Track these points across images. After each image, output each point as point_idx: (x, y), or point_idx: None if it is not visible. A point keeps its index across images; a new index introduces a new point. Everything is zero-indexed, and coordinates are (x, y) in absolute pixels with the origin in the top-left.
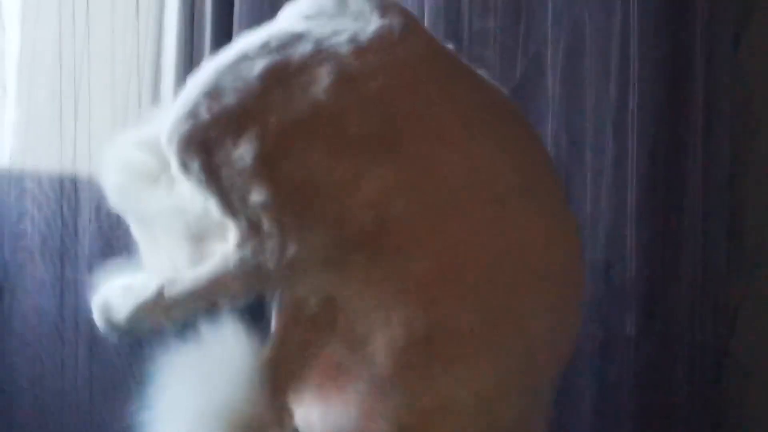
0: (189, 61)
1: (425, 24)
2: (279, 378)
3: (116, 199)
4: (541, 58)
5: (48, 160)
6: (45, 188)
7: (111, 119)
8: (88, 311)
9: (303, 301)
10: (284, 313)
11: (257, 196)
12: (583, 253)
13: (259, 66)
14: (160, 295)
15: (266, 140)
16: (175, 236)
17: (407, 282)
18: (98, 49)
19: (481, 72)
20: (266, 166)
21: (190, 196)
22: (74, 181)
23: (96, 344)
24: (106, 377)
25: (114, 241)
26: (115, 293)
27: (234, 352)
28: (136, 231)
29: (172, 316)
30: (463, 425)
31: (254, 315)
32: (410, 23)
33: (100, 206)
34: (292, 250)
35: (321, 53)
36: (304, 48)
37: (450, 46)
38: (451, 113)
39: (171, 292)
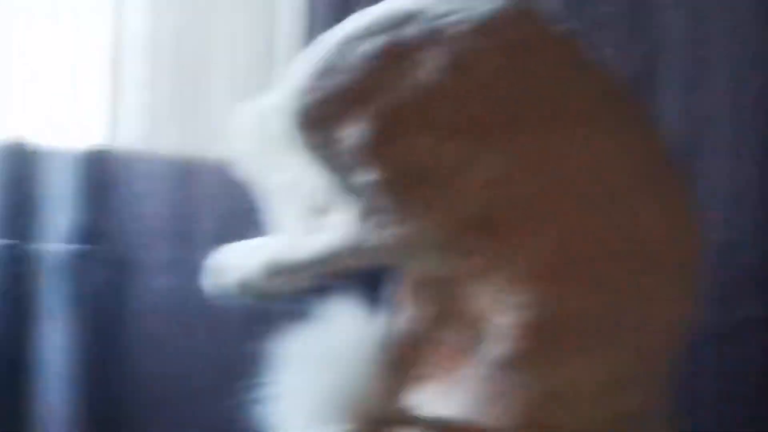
0: (308, 42)
1: (544, 8)
2: (400, 360)
3: (245, 166)
4: (660, 43)
5: (171, 142)
6: (169, 170)
7: (232, 102)
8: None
9: (423, 283)
10: (403, 294)
11: (370, 175)
12: (703, 238)
13: (373, 44)
14: (276, 259)
15: (380, 120)
16: (297, 205)
17: (525, 266)
18: (219, 32)
19: (599, 57)
20: (380, 146)
21: (312, 169)
22: (197, 163)
23: (217, 324)
24: (227, 356)
25: (233, 223)
26: (231, 257)
27: (355, 334)
28: (265, 202)
29: (287, 282)
30: (584, 411)
31: (374, 296)
32: (526, 5)
33: (220, 188)
34: (404, 229)
35: (435, 33)
36: (419, 27)
37: (567, 29)
38: (566, 98)
39: (287, 257)
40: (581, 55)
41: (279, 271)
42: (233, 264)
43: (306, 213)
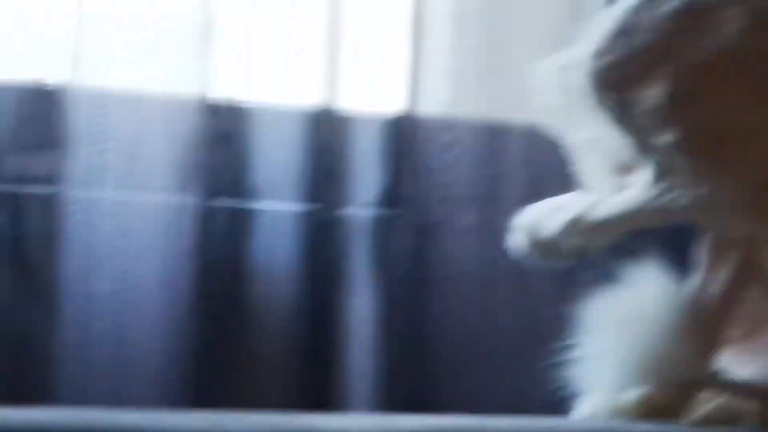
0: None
1: None
2: (706, 323)
3: (549, 122)
4: None
5: (477, 107)
6: (474, 136)
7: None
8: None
9: (727, 244)
10: (708, 254)
11: (669, 135)
12: None
13: (672, 5)
14: (585, 214)
15: (679, 80)
16: (601, 162)
17: None
18: None
19: None
20: (679, 107)
21: (612, 128)
22: (502, 129)
23: (523, 288)
24: (533, 320)
25: (540, 187)
26: (542, 213)
27: (660, 297)
28: (575, 157)
29: (594, 238)
30: None
31: (680, 259)
32: None
33: (527, 152)
34: (704, 189)
35: None
36: None
37: None
38: None
39: (595, 213)
40: None
41: (580, 229)
42: (536, 223)
43: (610, 170)
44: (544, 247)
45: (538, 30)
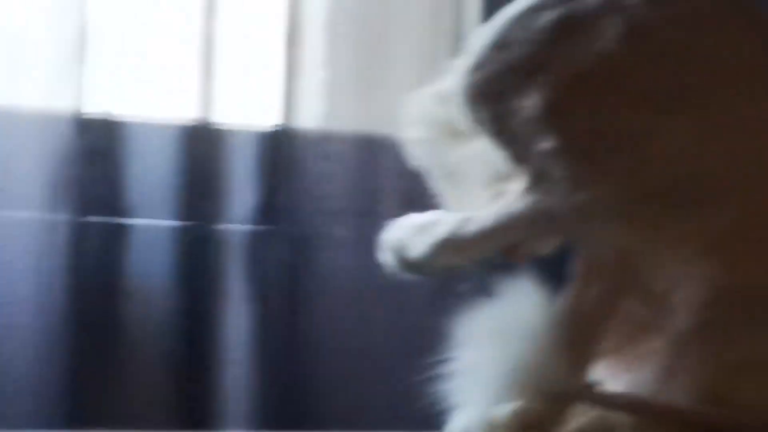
0: (490, 15)
1: None
2: (575, 334)
3: (421, 154)
4: None
5: (352, 120)
6: (349, 149)
7: (414, 80)
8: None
9: (599, 255)
10: (581, 267)
11: (546, 144)
12: None
13: (548, 16)
14: (455, 232)
15: (556, 89)
16: (476, 182)
17: (708, 238)
18: (399, 7)
19: None
20: (556, 115)
21: (486, 146)
22: (378, 141)
23: (398, 301)
24: (408, 334)
25: (415, 201)
26: (410, 231)
27: (534, 309)
28: (438, 185)
29: (466, 255)
30: None
31: (551, 273)
32: None
33: (401, 166)
34: (580, 198)
35: (612, 3)
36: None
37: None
38: (756, 64)
39: (465, 229)
40: (765, 22)
41: (450, 246)
42: (411, 240)
43: (481, 192)
44: (412, 266)
45: (412, 42)
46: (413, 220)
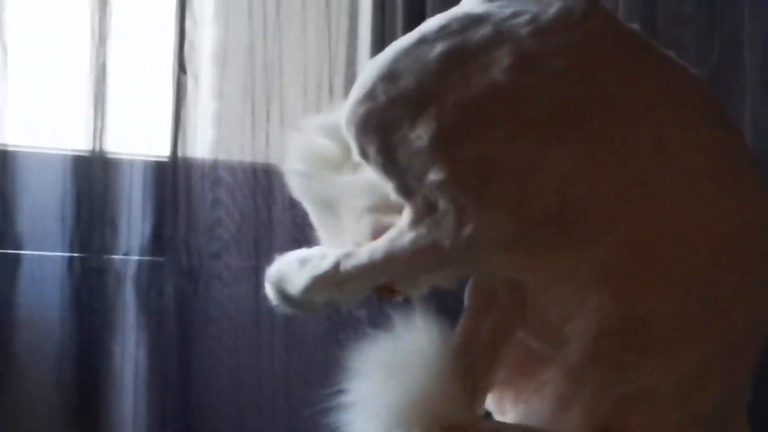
0: (380, 47)
1: (620, 8)
2: (469, 366)
3: (300, 187)
4: (738, 40)
5: (241, 150)
6: (240, 178)
7: (303, 109)
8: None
9: (491, 288)
10: (474, 299)
11: (434, 175)
12: None
13: (437, 48)
14: (336, 267)
15: (444, 120)
16: (357, 216)
17: (598, 267)
18: (290, 40)
19: (673, 54)
20: (444, 146)
21: (372, 178)
22: (268, 171)
23: (291, 333)
24: (301, 365)
25: (307, 230)
26: (290, 266)
27: (426, 342)
28: (316, 218)
29: (347, 291)
30: (660, 416)
31: (444, 307)
32: (592, 4)
33: (292, 196)
34: (468, 229)
35: (500, 35)
36: (484, 30)
37: (636, 27)
38: (635, 93)
39: (347, 265)
40: (651, 52)
41: (329, 281)
42: (293, 275)
43: (358, 224)
44: (292, 301)
45: (302, 73)
46: (295, 254)
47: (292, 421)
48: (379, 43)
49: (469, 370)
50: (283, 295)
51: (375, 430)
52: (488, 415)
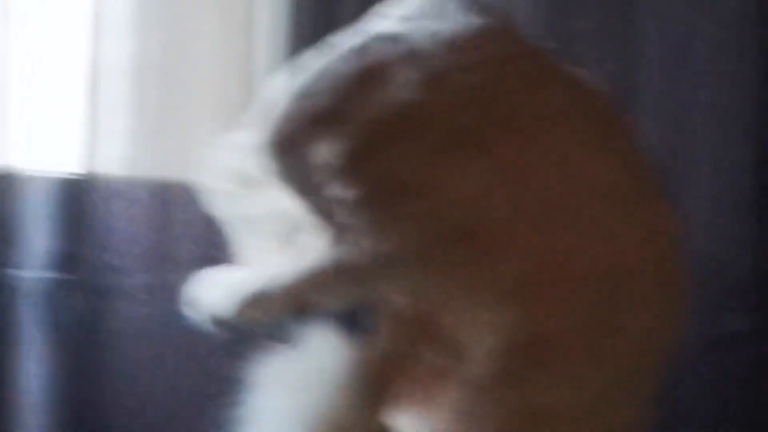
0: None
1: (523, 24)
2: (374, 382)
3: (222, 206)
4: (640, 55)
5: (151, 167)
6: (148, 195)
7: (216, 127)
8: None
9: (400, 305)
10: (381, 316)
11: (349, 194)
12: (685, 250)
13: (351, 67)
14: (258, 289)
15: (357, 139)
16: (276, 237)
17: (504, 284)
18: (201, 53)
19: (578, 71)
20: (358, 165)
21: (289, 197)
22: (176, 188)
23: (196, 348)
24: (206, 381)
25: (214, 247)
26: (212, 288)
27: (329, 357)
28: (237, 237)
29: (270, 313)
30: (565, 430)
31: (349, 323)
32: (503, 23)
33: (201, 213)
34: (385, 247)
35: (413, 53)
36: (397, 49)
37: (546, 45)
38: (542, 112)
39: (269, 288)
40: (558, 70)
41: (256, 303)
42: (215, 298)
43: (279, 244)
44: (218, 322)
45: (214, 89)
46: (218, 276)
47: None
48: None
49: (371, 387)
50: (209, 316)
51: None
52: (389, 430)
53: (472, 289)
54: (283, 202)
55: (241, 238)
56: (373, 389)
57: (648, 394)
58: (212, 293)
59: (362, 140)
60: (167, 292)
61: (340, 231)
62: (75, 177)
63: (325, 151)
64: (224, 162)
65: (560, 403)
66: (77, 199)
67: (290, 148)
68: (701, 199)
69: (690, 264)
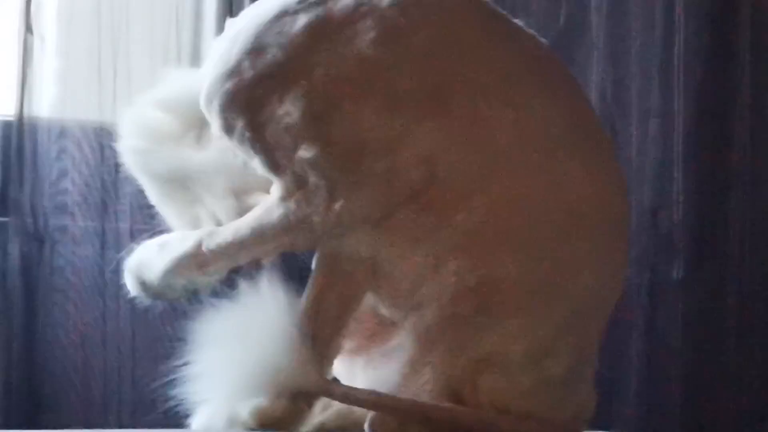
0: (229, 10)
1: None
2: (316, 332)
3: (136, 163)
4: (584, 3)
5: (88, 110)
6: (85, 139)
7: (150, 68)
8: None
9: (342, 256)
10: (322, 267)
11: (304, 152)
12: (630, 200)
13: (301, 21)
14: (198, 248)
15: (313, 96)
16: (217, 195)
17: (456, 235)
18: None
19: (521, 22)
20: (314, 123)
21: (229, 154)
22: (114, 132)
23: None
24: (146, 332)
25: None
26: (148, 252)
27: (271, 308)
28: (159, 195)
29: (210, 271)
30: (510, 379)
31: (290, 275)
32: None
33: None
34: (338, 205)
35: (362, 6)
36: (346, 1)
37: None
38: (494, 66)
39: (210, 244)
40: (504, 21)
41: (193, 262)
42: (152, 261)
43: (228, 197)
44: (153, 289)
45: (149, 31)
46: (153, 241)
47: (139, 386)
48: (226, 6)
49: (316, 337)
50: (142, 283)
51: (223, 400)
52: (335, 381)
53: (424, 244)
54: (230, 163)
55: (169, 197)
56: (318, 339)
57: (594, 344)
58: (150, 258)
59: (319, 98)
60: (107, 237)
61: (294, 188)
62: (13, 120)
63: (281, 109)
64: (143, 118)
65: (507, 350)
66: (15, 142)
67: (244, 106)
68: (636, 146)
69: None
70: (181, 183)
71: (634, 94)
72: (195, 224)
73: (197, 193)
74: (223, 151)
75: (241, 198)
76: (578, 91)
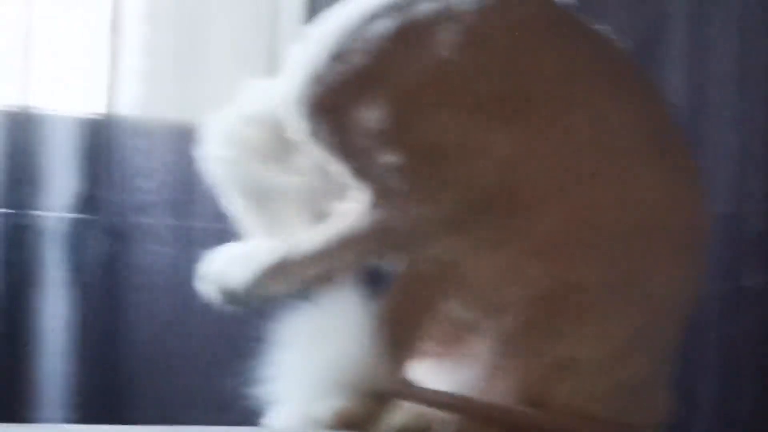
0: (310, 10)
1: None
2: (395, 334)
3: (218, 171)
4: (665, 12)
5: (171, 109)
6: (168, 137)
7: (233, 68)
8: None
9: (423, 261)
10: (402, 270)
11: (388, 158)
12: (708, 207)
13: (385, 26)
14: (285, 258)
15: (397, 102)
16: (290, 204)
17: (535, 241)
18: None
19: (601, 28)
20: (398, 129)
21: (314, 166)
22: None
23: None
24: (224, 329)
25: None
26: (230, 262)
27: (349, 310)
28: (240, 205)
29: (296, 282)
30: (585, 386)
31: (366, 278)
32: None
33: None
34: (422, 211)
35: (448, 11)
36: (429, 7)
37: (569, 2)
38: (573, 72)
39: (296, 255)
40: (584, 29)
41: (280, 272)
42: (235, 271)
43: (293, 214)
44: (235, 297)
45: (233, 32)
46: (233, 251)
47: (218, 383)
48: (310, 6)
49: (394, 340)
50: (225, 291)
51: (301, 400)
52: (413, 383)
53: (504, 249)
54: (304, 171)
55: (251, 209)
56: (396, 342)
57: (669, 351)
58: (229, 267)
59: (400, 104)
60: (189, 236)
61: (382, 194)
62: (100, 118)
63: (363, 114)
64: (235, 130)
65: (584, 357)
66: (100, 140)
67: (330, 111)
68: (717, 152)
69: (710, 220)
70: (262, 199)
71: (715, 100)
72: (274, 232)
73: (277, 210)
74: (307, 177)
75: (315, 208)
76: (657, 96)
